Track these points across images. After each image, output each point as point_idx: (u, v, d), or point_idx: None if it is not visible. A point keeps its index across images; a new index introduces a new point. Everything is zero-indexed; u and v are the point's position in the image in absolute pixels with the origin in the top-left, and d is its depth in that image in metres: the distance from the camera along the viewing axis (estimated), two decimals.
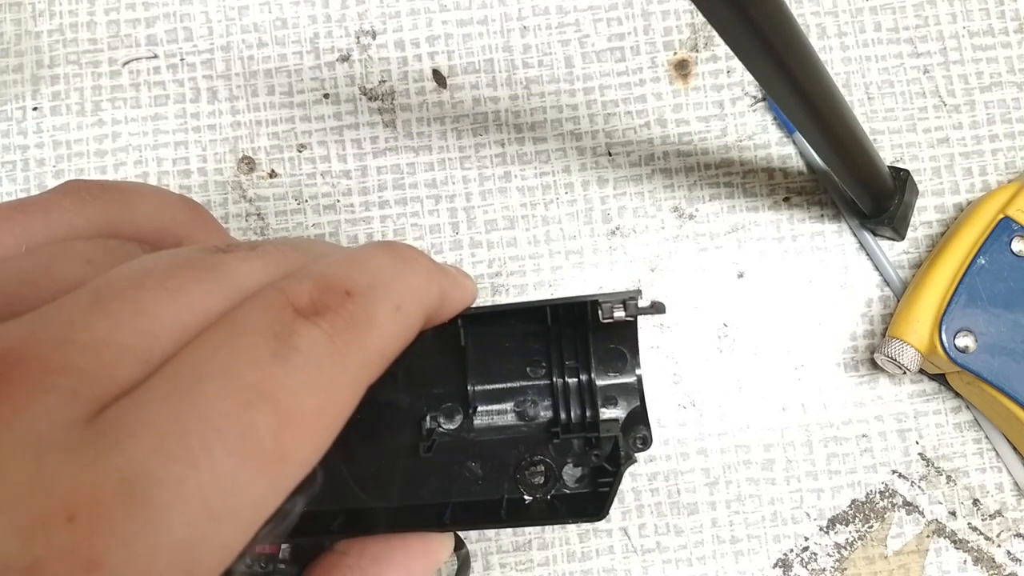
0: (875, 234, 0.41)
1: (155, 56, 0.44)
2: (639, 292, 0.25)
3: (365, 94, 0.43)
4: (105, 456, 0.13)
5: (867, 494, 0.40)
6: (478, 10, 0.44)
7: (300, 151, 0.43)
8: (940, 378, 0.40)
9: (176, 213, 0.22)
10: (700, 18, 0.43)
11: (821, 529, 0.40)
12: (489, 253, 0.42)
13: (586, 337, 0.26)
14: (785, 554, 0.40)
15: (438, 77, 0.43)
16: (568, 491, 0.25)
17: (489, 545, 0.40)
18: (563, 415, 0.26)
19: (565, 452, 0.25)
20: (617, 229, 0.42)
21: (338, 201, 0.43)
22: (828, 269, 0.42)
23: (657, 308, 0.24)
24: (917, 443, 0.40)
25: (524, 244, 0.42)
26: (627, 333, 0.26)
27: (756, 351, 0.41)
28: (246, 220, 0.42)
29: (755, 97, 0.43)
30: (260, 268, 0.17)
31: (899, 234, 0.41)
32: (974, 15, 0.43)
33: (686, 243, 0.42)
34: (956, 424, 0.40)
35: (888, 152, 0.42)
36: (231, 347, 0.15)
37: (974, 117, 0.42)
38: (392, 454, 0.25)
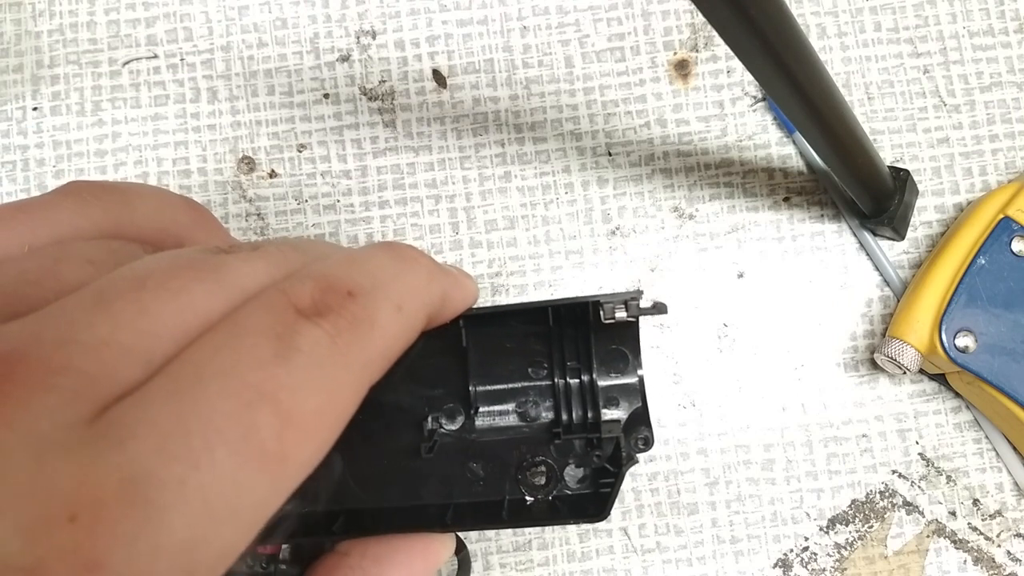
0: (875, 234, 0.41)
1: (155, 56, 0.44)
2: (641, 293, 0.25)
3: (365, 94, 0.43)
4: (107, 456, 0.13)
5: (867, 494, 0.40)
6: (478, 10, 0.44)
7: (300, 151, 0.43)
8: (940, 378, 0.40)
9: (178, 214, 0.22)
10: (700, 18, 0.43)
11: (821, 529, 0.40)
12: (489, 253, 0.42)
13: (588, 338, 0.26)
14: (785, 554, 0.40)
15: (438, 77, 0.43)
16: (569, 492, 0.25)
17: (489, 545, 0.40)
18: (565, 416, 0.26)
19: (567, 453, 0.25)
20: (617, 229, 0.42)
21: (338, 201, 0.43)
22: (828, 269, 0.42)
23: (659, 309, 0.24)
24: (917, 443, 0.40)
25: (524, 244, 0.42)
26: (629, 334, 0.26)
27: (756, 351, 0.41)
28: (246, 220, 0.42)
29: (755, 97, 0.43)
30: (262, 269, 0.17)
31: (899, 234, 0.41)
32: (974, 15, 0.43)
33: (686, 243, 0.42)
34: (956, 424, 0.40)
35: (888, 152, 0.42)
36: (233, 347, 0.15)
37: (974, 117, 0.42)
38: (393, 455, 0.25)
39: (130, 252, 0.19)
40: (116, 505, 0.13)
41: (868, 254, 0.41)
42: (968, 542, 0.39)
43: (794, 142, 0.42)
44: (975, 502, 0.40)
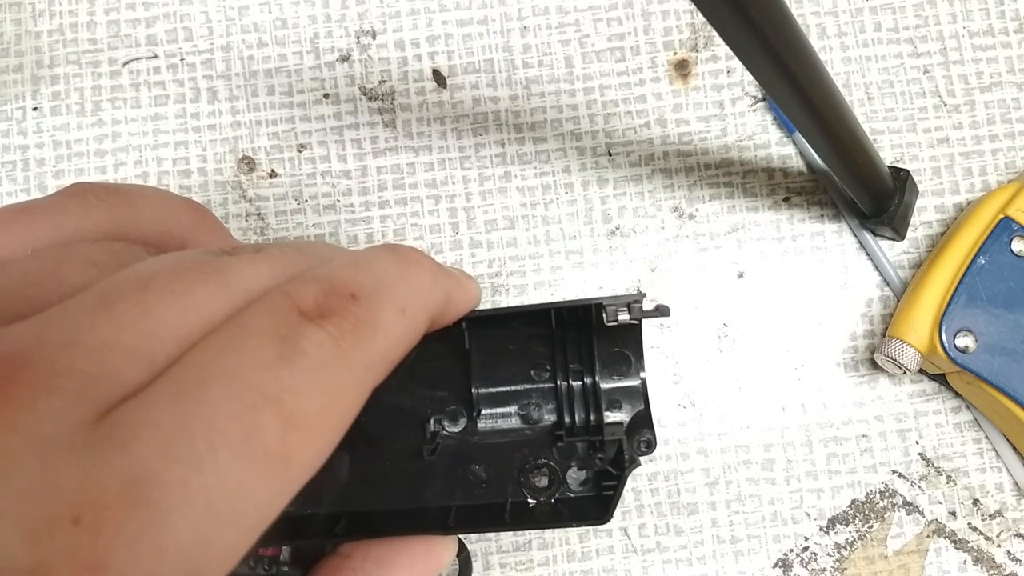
0: (875, 234, 0.41)
1: (155, 56, 0.44)
2: (643, 295, 0.25)
3: (365, 94, 0.43)
4: (110, 458, 0.13)
5: (867, 494, 0.40)
6: (478, 10, 0.44)
7: (300, 151, 0.43)
8: (940, 378, 0.40)
9: (180, 216, 0.22)
10: (700, 18, 0.43)
11: (821, 529, 0.40)
12: (489, 253, 0.42)
13: (590, 340, 0.26)
14: (785, 554, 0.40)
15: (438, 77, 0.43)
16: (572, 494, 0.25)
17: (489, 545, 0.40)
18: (567, 418, 0.26)
19: (569, 455, 0.25)
20: (617, 229, 0.42)
21: (338, 201, 0.42)
22: (828, 269, 0.42)
23: (662, 311, 0.24)
24: (917, 443, 0.40)
25: (524, 244, 0.42)
26: (631, 336, 0.26)
27: (756, 351, 0.41)
28: (246, 220, 0.42)
29: (755, 97, 0.43)
30: (265, 271, 0.17)
31: (899, 234, 0.41)
32: (974, 15, 0.43)
33: (686, 243, 0.42)
34: (956, 424, 0.40)
35: (888, 152, 0.42)
36: (236, 350, 0.15)
37: (974, 117, 0.42)
38: (396, 457, 0.25)
39: (133, 254, 0.19)
40: (119, 507, 0.13)
41: (868, 254, 0.41)
42: (968, 542, 0.39)
43: (794, 142, 0.42)
44: (975, 502, 0.40)
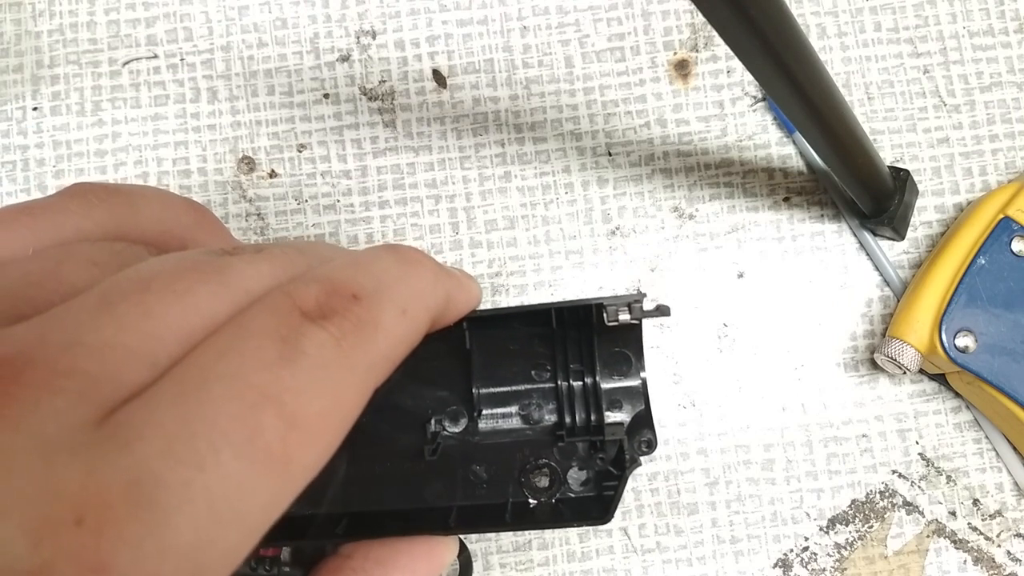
0: (875, 234, 0.41)
1: (155, 56, 0.44)
2: (644, 295, 0.25)
3: (365, 94, 0.43)
4: (113, 459, 0.13)
5: (867, 494, 0.40)
6: (478, 10, 0.44)
7: (300, 151, 0.43)
8: (940, 378, 0.40)
9: (181, 216, 0.22)
10: (700, 18, 0.43)
11: (821, 529, 0.40)
12: (489, 253, 0.42)
13: (591, 340, 0.26)
14: (785, 554, 0.40)
15: (438, 77, 0.43)
16: (573, 495, 0.25)
17: (489, 545, 0.40)
18: (568, 418, 0.26)
19: (570, 456, 0.25)
20: (617, 229, 0.42)
21: (338, 201, 0.43)
22: (828, 269, 0.42)
23: (662, 311, 0.24)
24: (917, 443, 0.40)
25: (524, 244, 0.42)
26: (632, 336, 0.26)
27: (756, 351, 0.41)
28: (246, 220, 0.42)
29: (755, 97, 0.43)
30: (266, 271, 0.17)
31: (899, 234, 0.41)
32: (974, 15, 0.43)
33: (686, 243, 0.42)
34: (956, 424, 0.40)
35: (888, 152, 0.42)
36: (238, 350, 0.15)
37: (974, 117, 0.42)
38: (397, 457, 0.25)
39: (134, 254, 0.19)
40: (122, 507, 0.13)
41: (868, 254, 0.41)
42: (968, 542, 0.40)
43: (794, 142, 0.42)
44: (975, 502, 0.40)
